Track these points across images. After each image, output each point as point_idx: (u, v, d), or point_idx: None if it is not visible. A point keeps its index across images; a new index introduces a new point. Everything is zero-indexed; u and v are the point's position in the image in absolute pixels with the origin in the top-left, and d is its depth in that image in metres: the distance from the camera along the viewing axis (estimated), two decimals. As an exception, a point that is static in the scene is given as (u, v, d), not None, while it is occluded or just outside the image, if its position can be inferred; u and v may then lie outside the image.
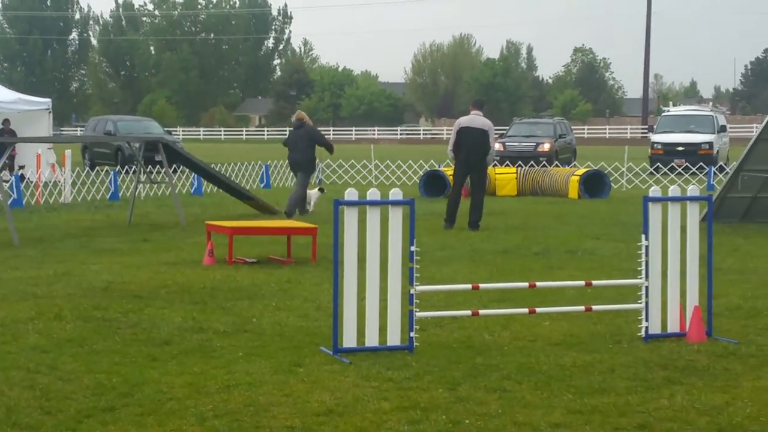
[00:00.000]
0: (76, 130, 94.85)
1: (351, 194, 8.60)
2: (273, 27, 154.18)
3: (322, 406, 6.96)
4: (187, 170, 25.86)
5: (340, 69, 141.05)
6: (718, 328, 9.45)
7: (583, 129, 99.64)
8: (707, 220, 9.56)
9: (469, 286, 9.74)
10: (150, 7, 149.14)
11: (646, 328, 9.12)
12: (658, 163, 37.39)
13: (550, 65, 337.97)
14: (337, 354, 8.39)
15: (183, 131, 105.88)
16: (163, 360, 8.29)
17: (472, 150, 18.47)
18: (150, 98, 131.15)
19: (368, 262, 8.55)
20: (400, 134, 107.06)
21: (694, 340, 9.00)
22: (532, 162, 34.09)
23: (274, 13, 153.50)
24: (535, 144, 39.62)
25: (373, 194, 8.63)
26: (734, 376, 7.87)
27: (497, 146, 40.31)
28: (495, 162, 37.05)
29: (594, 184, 27.39)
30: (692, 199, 9.43)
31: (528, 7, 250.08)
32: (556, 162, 37.08)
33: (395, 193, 8.71)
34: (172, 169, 24.74)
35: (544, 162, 35.81)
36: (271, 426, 6.55)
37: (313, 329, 9.51)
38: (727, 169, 27.51)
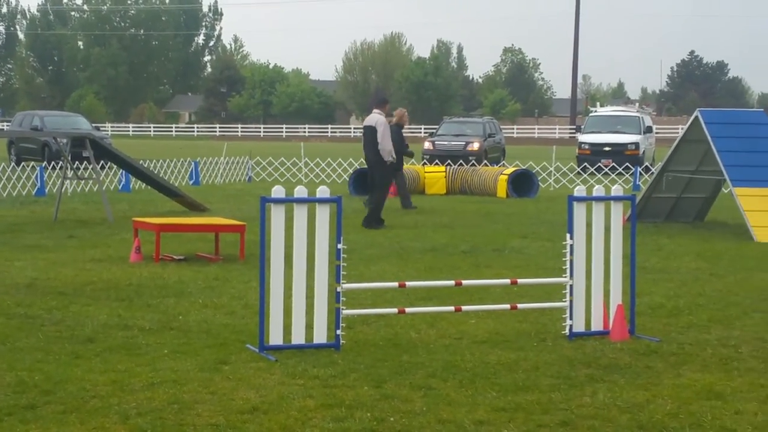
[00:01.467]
0: (2, 125, 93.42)
1: (278, 191, 8.58)
2: (203, 23, 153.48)
3: (247, 404, 6.94)
4: (115, 166, 25.61)
5: (270, 66, 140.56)
6: (641, 327, 9.58)
7: (513, 128, 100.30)
8: (631, 220, 9.68)
9: (396, 284, 9.78)
10: (78, 1, 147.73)
11: (571, 326, 9.21)
12: (585, 163, 37.84)
13: (480, 65, 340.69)
14: (263, 351, 8.37)
15: (112, 127, 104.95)
16: (86, 357, 8.21)
17: (368, 149, 18.60)
18: (78, 93, 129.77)
19: (295, 259, 8.54)
20: (331, 132, 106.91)
21: (617, 338, 9.11)
22: (461, 161, 34.24)
23: (205, 9, 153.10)
24: (464, 143, 39.85)
25: (299, 192, 8.62)
26: (656, 373, 7.98)
27: (426, 145, 40.60)
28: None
29: (522, 183, 27.59)
30: (616, 198, 9.54)
31: (458, 7, 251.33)
32: (485, 161, 37.31)
33: (322, 191, 8.71)
34: (100, 165, 24.49)
35: (473, 161, 36.01)
36: (195, 424, 6.52)
37: (240, 327, 9.49)
38: (653, 170, 27.86)
